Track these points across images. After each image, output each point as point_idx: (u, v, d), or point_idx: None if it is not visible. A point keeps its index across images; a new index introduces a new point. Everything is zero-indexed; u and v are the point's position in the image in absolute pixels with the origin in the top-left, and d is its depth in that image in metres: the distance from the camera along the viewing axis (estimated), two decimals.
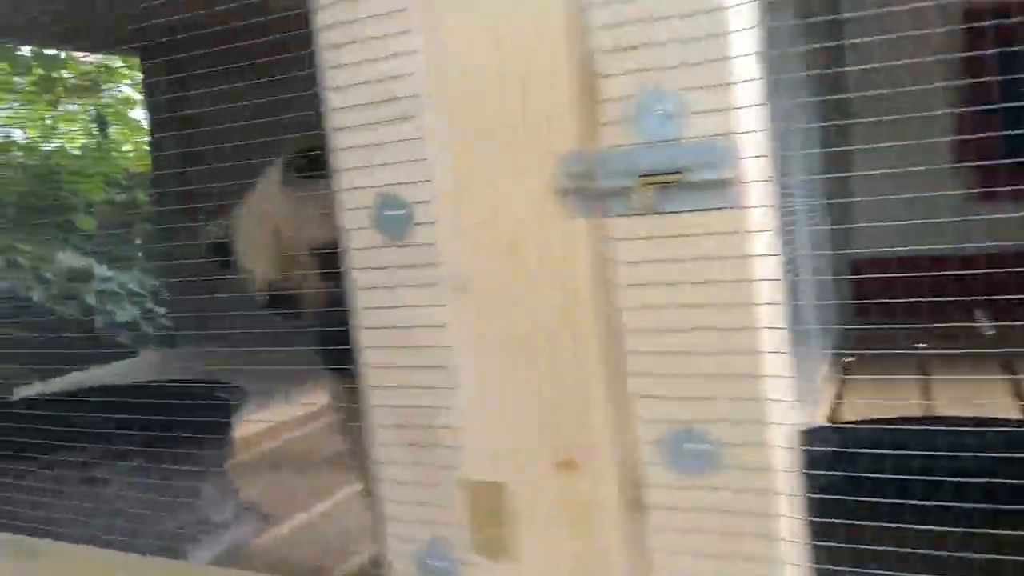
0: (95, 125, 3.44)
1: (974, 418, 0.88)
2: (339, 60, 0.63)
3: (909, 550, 0.58)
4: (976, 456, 0.67)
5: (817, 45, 1.27)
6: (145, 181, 3.80)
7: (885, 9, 0.68)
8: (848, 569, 0.58)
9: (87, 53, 3.29)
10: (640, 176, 0.53)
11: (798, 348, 0.70)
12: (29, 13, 2.14)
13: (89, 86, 3.65)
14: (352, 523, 1.34)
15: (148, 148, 3.25)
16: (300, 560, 1.22)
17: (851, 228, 2.00)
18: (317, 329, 0.92)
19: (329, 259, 0.85)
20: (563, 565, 0.62)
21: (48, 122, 3.63)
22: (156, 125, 2.95)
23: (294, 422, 1.92)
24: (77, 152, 3.81)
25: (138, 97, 3.69)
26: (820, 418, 1.57)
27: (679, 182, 0.52)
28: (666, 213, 0.54)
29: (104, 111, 3.54)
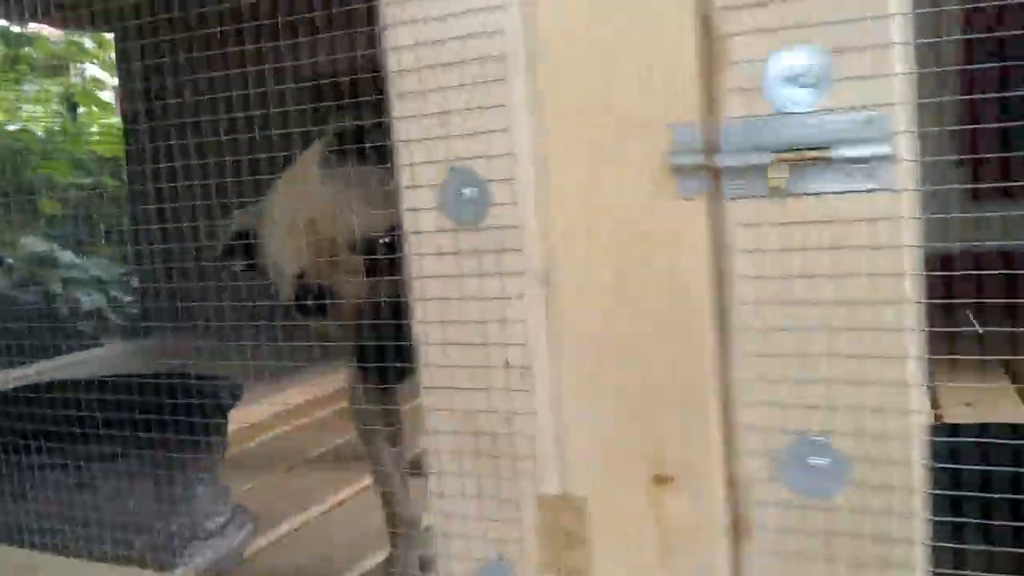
0: (64, 106, 3.29)
1: None
2: (404, 15, 0.55)
3: None
4: None
5: None
6: (113, 165, 3.65)
7: None
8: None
9: (58, 28, 3.14)
10: (773, 152, 0.46)
11: None
12: None
13: (57, 65, 3.49)
14: (353, 527, 1.26)
15: (119, 130, 3.12)
16: (300, 568, 1.13)
17: None
18: (332, 324, 0.83)
19: (372, 256, 0.77)
20: None
21: (13, 101, 3.47)
22: (131, 106, 2.82)
23: (277, 418, 1.83)
24: (42, 134, 3.65)
25: (108, 78, 3.54)
26: None
27: (821, 160, 0.45)
28: (801, 195, 0.47)
29: (74, 90, 3.39)
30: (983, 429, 0.85)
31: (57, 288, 3.37)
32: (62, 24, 2.91)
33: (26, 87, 3.41)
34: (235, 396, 1.24)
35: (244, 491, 1.40)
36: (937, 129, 0.46)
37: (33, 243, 3.47)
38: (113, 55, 2.97)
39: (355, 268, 0.78)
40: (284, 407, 1.77)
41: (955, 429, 0.86)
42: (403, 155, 0.57)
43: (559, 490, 0.56)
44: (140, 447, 1.06)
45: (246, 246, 0.85)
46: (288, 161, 0.85)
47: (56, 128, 3.65)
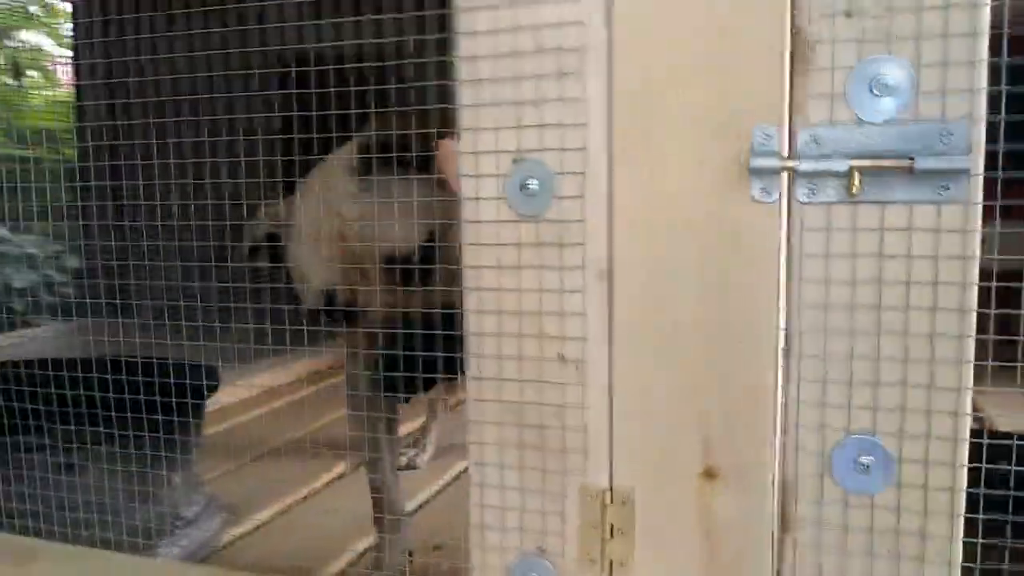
0: (8, 72, 3.14)
1: None
2: (478, 1, 0.55)
3: None
4: None
5: None
6: (54, 136, 3.51)
7: None
8: None
9: None
10: (852, 159, 0.48)
11: None
12: None
13: None
14: (329, 518, 1.24)
15: (63, 103, 3.00)
16: (285, 557, 1.11)
17: None
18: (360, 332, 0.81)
19: (406, 273, 0.75)
20: None
21: None
22: (88, 80, 2.72)
23: (243, 405, 1.79)
24: None
25: (54, 48, 3.40)
26: None
27: (899, 169, 0.47)
28: (874, 202, 0.48)
29: (17, 56, 3.24)
30: None
31: None
32: None
33: None
34: (212, 382, 1.21)
35: (212, 479, 1.36)
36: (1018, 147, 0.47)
37: None
38: (64, 24, 2.86)
39: (386, 280, 0.76)
40: (249, 394, 1.73)
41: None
42: (468, 143, 0.56)
43: (606, 483, 0.57)
44: (118, 431, 1.02)
45: (272, 248, 0.83)
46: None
47: None
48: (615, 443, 0.56)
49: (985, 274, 0.48)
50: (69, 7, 3.04)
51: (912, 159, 0.46)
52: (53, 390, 1.01)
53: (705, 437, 0.54)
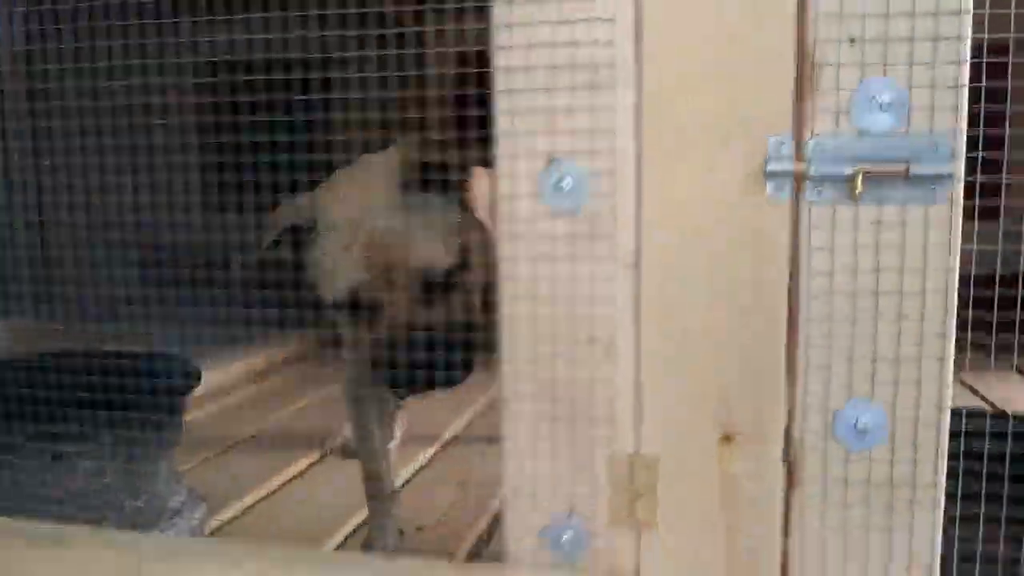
0: None
1: None
2: (516, 16, 0.61)
3: None
4: None
5: None
6: None
7: None
8: None
9: None
10: (854, 165, 0.56)
11: None
12: None
13: None
14: (304, 508, 1.28)
15: None
16: (272, 540, 1.14)
17: None
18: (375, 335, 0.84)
19: (432, 286, 0.79)
20: (711, 539, 0.63)
21: None
22: (10, 84, 2.63)
23: (206, 397, 1.80)
24: None
25: None
26: None
27: (895, 174, 0.55)
28: (872, 203, 0.56)
29: None
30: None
31: None
32: None
33: None
34: (190, 376, 1.22)
35: (184, 470, 1.37)
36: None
37: None
38: None
39: (411, 291, 0.80)
40: (205, 389, 1.73)
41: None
42: (504, 146, 0.62)
43: (632, 450, 0.63)
44: (106, 424, 1.04)
45: (294, 240, 0.85)
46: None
47: None
48: (641, 415, 0.63)
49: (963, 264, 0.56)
50: None
51: (908, 165, 0.55)
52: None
53: (724, 406, 0.61)
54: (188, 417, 1.26)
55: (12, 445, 0.95)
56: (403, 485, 1.36)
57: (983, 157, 0.58)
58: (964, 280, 0.58)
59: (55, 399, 1.00)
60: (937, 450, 0.59)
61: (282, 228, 0.85)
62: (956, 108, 0.54)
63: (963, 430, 0.63)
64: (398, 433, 1.52)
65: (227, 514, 1.23)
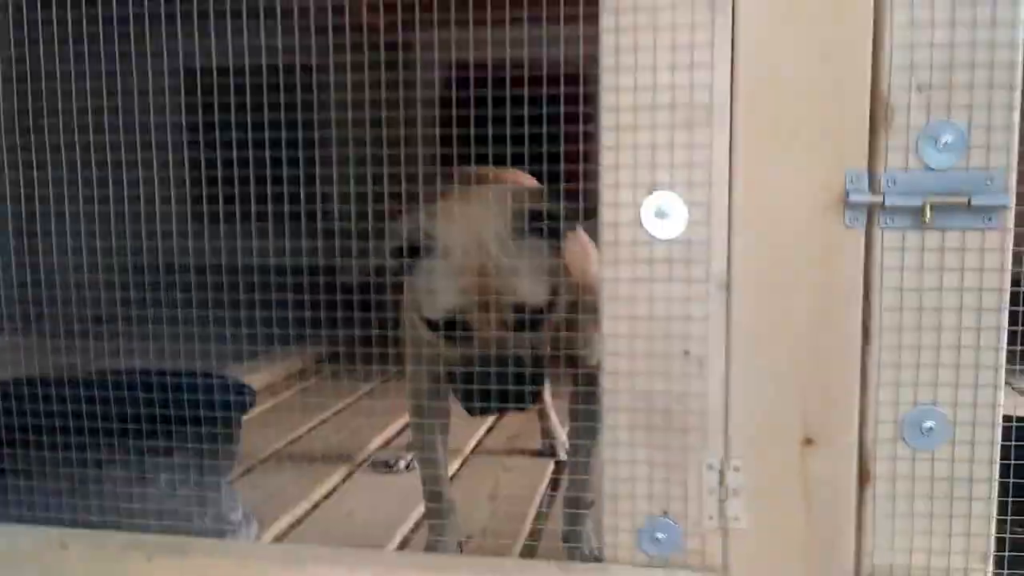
0: None
1: None
2: (620, 62, 0.68)
3: None
4: None
5: None
6: None
7: None
8: None
9: None
10: (923, 196, 0.64)
11: None
12: None
13: None
14: (351, 520, 1.32)
15: None
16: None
17: None
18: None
19: (527, 323, 0.86)
20: (792, 535, 0.70)
21: None
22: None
23: None
24: None
25: None
26: None
27: (959, 205, 0.63)
28: (937, 229, 0.65)
29: None
30: None
31: None
32: None
33: None
34: (245, 394, 1.27)
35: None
36: None
37: None
38: None
39: (505, 321, 0.87)
40: None
41: None
42: (608, 177, 0.69)
43: (722, 455, 0.71)
44: (181, 441, 1.08)
45: (412, 254, 0.90)
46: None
47: None
48: (730, 422, 0.70)
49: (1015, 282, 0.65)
50: None
51: (970, 197, 0.63)
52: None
53: (804, 412, 0.69)
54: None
55: (101, 461, 0.99)
56: None
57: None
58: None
59: (139, 416, 1.05)
60: (992, 448, 0.67)
61: (409, 242, 0.90)
62: (1008, 147, 0.63)
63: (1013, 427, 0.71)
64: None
65: (275, 529, 1.28)
